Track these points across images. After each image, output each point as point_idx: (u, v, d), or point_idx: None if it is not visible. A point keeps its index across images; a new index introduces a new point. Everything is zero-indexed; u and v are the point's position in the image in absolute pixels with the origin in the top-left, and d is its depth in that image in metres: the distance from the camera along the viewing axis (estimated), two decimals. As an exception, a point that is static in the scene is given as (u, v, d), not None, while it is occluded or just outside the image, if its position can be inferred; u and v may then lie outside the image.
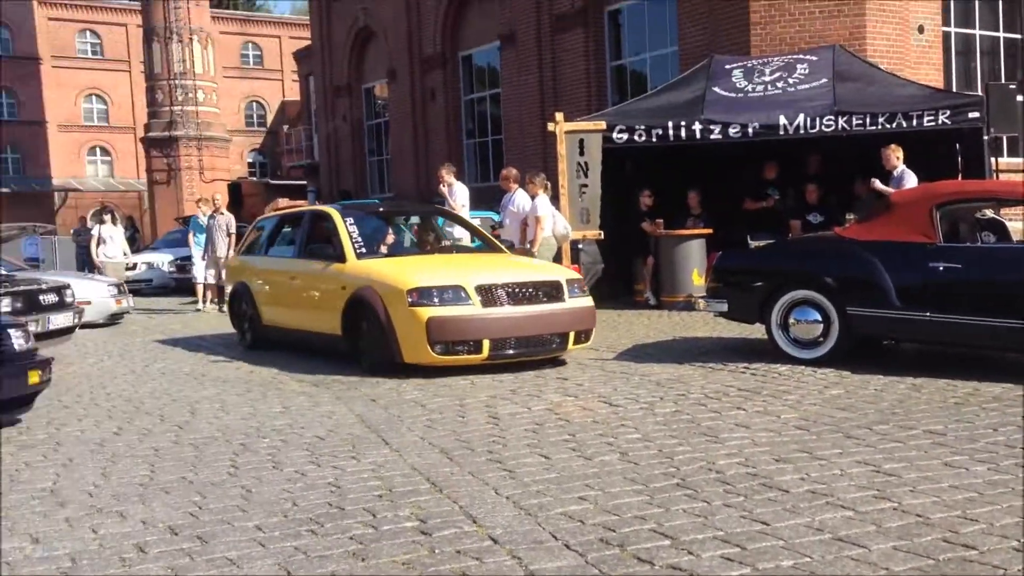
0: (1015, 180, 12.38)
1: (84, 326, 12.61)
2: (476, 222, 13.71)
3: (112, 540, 3.73)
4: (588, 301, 8.13)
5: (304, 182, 37.77)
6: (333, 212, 9.12)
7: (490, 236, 9.90)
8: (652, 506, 3.92)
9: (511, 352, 7.52)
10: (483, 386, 7.05)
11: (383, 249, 9.19)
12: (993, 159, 11.70)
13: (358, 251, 8.42)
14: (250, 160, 53.67)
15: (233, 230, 15.01)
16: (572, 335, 7.80)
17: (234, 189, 39.02)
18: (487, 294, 7.49)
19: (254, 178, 48.91)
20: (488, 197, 16.51)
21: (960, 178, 11.04)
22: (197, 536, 3.73)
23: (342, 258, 8.40)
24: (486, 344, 7.36)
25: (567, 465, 4.65)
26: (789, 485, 4.15)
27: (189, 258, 16.67)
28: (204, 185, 36.27)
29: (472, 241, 10.45)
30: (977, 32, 16.14)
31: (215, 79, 41.20)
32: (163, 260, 19.73)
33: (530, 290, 7.73)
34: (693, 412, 5.85)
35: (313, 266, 8.79)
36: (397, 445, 5.21)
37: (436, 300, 7.37)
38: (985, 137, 11.09)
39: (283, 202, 32.58)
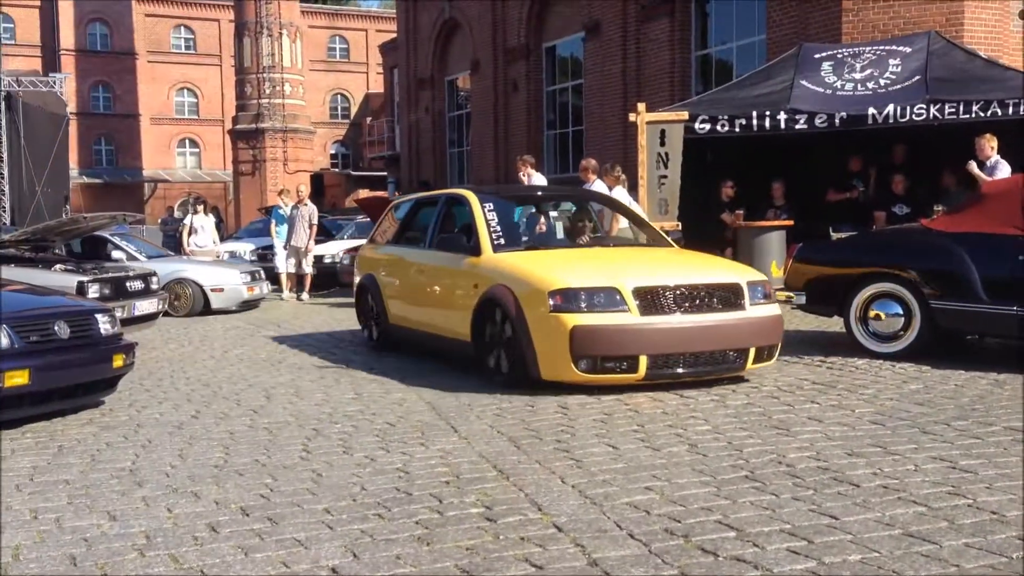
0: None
1: (216, 312, 13.02)
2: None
3: (186, 519, 3.83)
4: (774, 309, 6.65)
5: (384, 173, 38.29)
6: (470, 195, 7.81)
7: (656, 228, 8.40)
8: (719, 498, 3.87)
9: (674, 371, 6.24)
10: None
11: (528, 241, 7.89)
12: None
13: (495, 242, 7.18)
14: (333, 151, 54.64)
15: (315, 221, 15.28)
16: (753, 351, 6.39)
17: (316, 180, 39.79)
18: (648, 299, 6.19)
19: (336, 169, 49.82)
20: (567, 188, 16.44)
21: (1057, 168, 10.57)
22: (268, 517, 3.82)
23: (477, 250, 7.19)
24: (643, 361, 6.10)
25: (635, 455, 4.62)
26: (860, 479, 4.06)
27: (270, 247, 17.04)
28: (288, 176, 37.09)
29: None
30: (1081, 16, 15.39)
31: (302, 72, 42.08)
32: (245, 249, 20.23)
33: (702, 294, 6.35)
34: (765, 405, 5.75)
35: (444, 258, 7.65)
36: (466, 433, 5.25)
37: (583, 305, 6.13)
38: (1085, 126, 10.59)
39: (363, 192, 33.09)
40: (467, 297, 7.08)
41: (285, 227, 15.51)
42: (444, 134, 29.16)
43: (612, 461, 4.52)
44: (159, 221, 28.44)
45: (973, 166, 10.09)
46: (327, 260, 16.30)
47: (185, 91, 54.53)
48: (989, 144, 10.18)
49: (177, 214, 39.32)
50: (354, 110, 55.28)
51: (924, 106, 10.86)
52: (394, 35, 35.63)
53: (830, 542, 3.32)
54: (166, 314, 12.73)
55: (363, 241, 16.99)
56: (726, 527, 3.50)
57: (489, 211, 7.46)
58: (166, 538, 3.61)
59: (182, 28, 54.45)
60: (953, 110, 10.77)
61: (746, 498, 3.86)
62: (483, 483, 4.21)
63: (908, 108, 10.92)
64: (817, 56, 12.61)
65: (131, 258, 13.18)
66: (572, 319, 6.12)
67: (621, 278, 6.33)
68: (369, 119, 47.45)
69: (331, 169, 50.00)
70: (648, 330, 6.14)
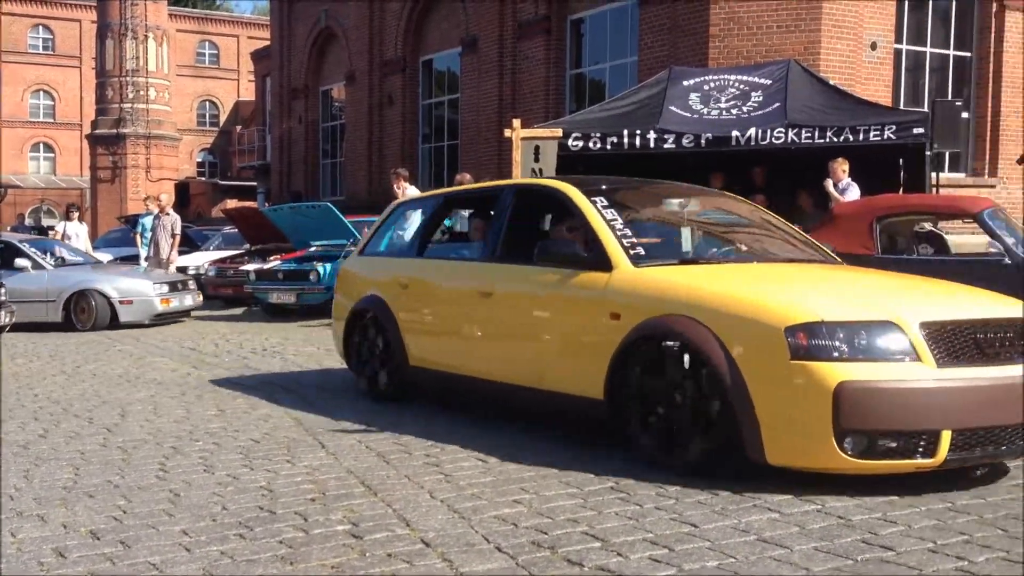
0: (953, 195, 12.65)
1: (125, 326, 12.20)
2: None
3: (31, 544, 3.62)
4: None
5: (255, 183, 37.50)
6: (568, 188, 5.60)
7: (819, 244, 6.01)
8: (585, 509, 3.92)
9: (980, 454, 4.11)
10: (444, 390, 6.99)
11: (673, 251, 5.58)
12: (934, 174, 11.93)
13: (632, 252, 5.04)
14: (200, 160, 53.17)
15: (179, 230, 14.82)
16: None
17: (181, 189, 38.63)
18: (943, 341, 4.09)
19: (203, 178, 48.50)
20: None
21: (901, 192, 11.26)
22: (120, 541, 3.64)
23: (604, 263, 5.00)
24: (944, 439, 3.98)
25: (503, 468, 4.63)
26: (719, 488, 4.17)
27: (130, 258, 16.41)
28: (150, 184, 35.86)
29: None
30: (928, 50, 16.48)
31: (168, 77, 40.77)
32: (102, 260, 19.47)
33: (1009, 336, 4.26)
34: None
35: (531, 275, 5.44)
36: (333, 448, 5.15)
37: (846, 349, 4.01)
38: (928, 152, 11.32)
39: (232, 203, 32.29)
40: (597, 334, 4.86)
41: (149, 236, 15.00)
42: (317, 145, 28.78)
43: (481, 475, 4.52)
44: (8, 228, 27.04)
45: (830, 184, 10.66)
46: (191, 271, 15.81)
47: (41, 93, 52.06)
48: (841, 168, 10.76)
49: (28, 221, 37.47)
50: (223, 118, 53.95)
51: (783, 130, 11.41)
52: (267, 42, 34.99)
53: (690, 549, 3.40)
54: (69, 327, 12.06)
55: (231, 252, 16.70)
56: (592, 537, 3.54)
57: (604, 208, 5.32)
58: (9, 565, 3.40)
59: (40, 28, 52.04)
60: (809, 135, 11.35)
61: (611, 509, 3.91)
62: (350, 499, 4.14)
63: (768, 132, 11.45)
64: (686, 84, 13.09)
65: (36, 266, 12.43)
66: (835, 371, 3.97)
67: (894, 307, 4.22)
68: (239, 127, 46.38)
69: (198, 178, 48.61)
70: (953, 390, 4.01)
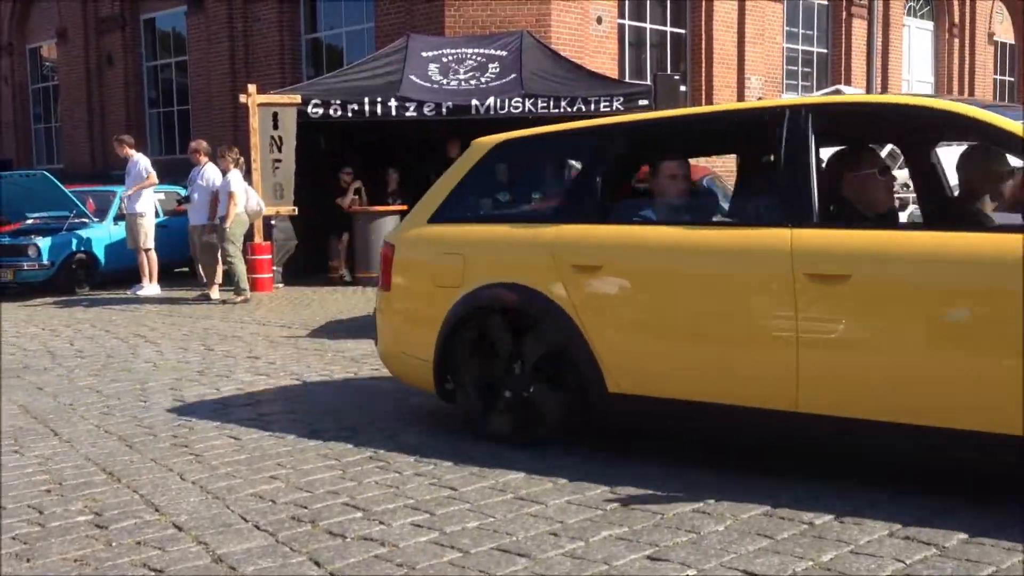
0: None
1: None
2: (160, 196, 13.05)
3: None
4: None
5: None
6: (973, 111, 3.57)
7: None
8: (345, 480, 3.92)
9: None
10: (167, 368, 6.68)
11: None
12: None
13: None
14: None
15: None
16: None
17: None
18: None
19: None
20: (174, 170, 15.63)
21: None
22: None
23: None
24: None
25: (258, 445, 4.53)
26: (472, 451, 4.29)
27: None
28: None
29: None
30: (648, 26, 17.57)
31: None
32: None
33: None
34: (389, 385, 5.89)
35: (966, 247, 3.36)
36: (68, 435, 4.81)
37: None
38: (652, 123, 12.13)
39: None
40: None
41: None
42: (28, 108, 26.30)
43: (235, 452, 4.40)
44: None
45: None
46: None
47: None
48: (575, 137, 11.30)
49: None
50: (-89, 75, 47.85)
51: (520, 100, 11.82)
52: (-39, -8, 31.35)
53: (450, 513, 3.49)
54: None
55: None
56: (353, 508, 3.56)
57: None
58: None
59: None
60: (545, 104, 11.85)
61: (371, 478, 3.94)
62: (91, 488, 3.90)
63: (507, 101, 11.83)
64: (424, 55, 13.20)
65: None
66: None
67: None
68: (-69, 87, 41.35)
69: None
70: None
